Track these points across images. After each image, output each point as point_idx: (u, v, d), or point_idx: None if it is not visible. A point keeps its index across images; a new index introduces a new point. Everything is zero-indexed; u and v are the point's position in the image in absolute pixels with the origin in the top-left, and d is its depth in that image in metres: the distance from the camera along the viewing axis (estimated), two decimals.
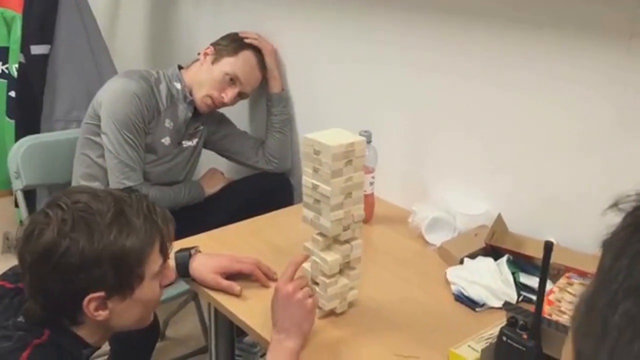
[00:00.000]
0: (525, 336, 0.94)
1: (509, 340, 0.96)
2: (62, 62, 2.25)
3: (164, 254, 1.09)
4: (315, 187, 1.14)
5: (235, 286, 1.30)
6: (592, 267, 1.36)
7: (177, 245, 1.40)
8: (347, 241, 1.19)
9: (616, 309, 0.44)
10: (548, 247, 0.90)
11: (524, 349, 0.94)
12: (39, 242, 0.98)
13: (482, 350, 1.03)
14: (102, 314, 1.02)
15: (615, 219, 0.49)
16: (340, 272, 1.21)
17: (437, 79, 1.62)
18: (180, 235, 1.47)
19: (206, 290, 1.33)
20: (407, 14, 1.64)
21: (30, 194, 2.19)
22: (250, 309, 1.26)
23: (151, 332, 1.62)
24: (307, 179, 1.16)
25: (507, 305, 1.03)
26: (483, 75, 1.51)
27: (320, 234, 1.18)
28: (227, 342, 1.52)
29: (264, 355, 2.05)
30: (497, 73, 1.48)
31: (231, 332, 1.52)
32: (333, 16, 1.86)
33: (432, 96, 1.65)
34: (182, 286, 1.97)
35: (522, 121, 1.46)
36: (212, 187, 2.11)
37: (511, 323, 0.96)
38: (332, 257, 1.18)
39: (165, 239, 1.08)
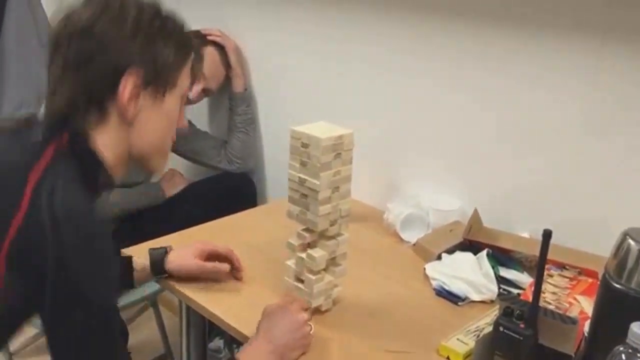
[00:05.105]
0: (522, 325, 0.95)
1: (505, 330, 0.95)
2: (10, 56, 2.14)
3: (193, 78, 1.05)
4: (302, 182, 1.11)
5: (221, 265, 1.28)
6: (568, 259, 1.38)
7: (147, 246, 1.35)
8: (333, 237, 1.17)
9: None
10: (547, 235, 0.91)
11: (521, 338, 0.94)
12: (82, 15, 0.93)
13: (477, 342, 1.02)
14: (132, 107, 0.95)
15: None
16: (325, 268, 1.19)
17: (406, 79, 1.63)
18: (141, 238, 1.43)
19: (180, 289, 1.28)
20: (375, 13, 1.64)
21: None
22: (226, 306, 1.22)
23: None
24: (294, 173, 1.13)
25: (502, 296, 1.03)
26: (452, 76, 1.53)
27: (307, 229, 1.16)
28: (199, 343, 1.46)
29: None
30: (465, 73, 1.50)
31: (204, 333, 1.47)
32: (299, 15, 1.84)
33: (402, 95, 1.65)
34: (139, 293, 1.90)
35: (491, 120, 1.48)
36: (172, 189, 2.06)
37: (507, 313, 0.96)
38: (319, 253, 1.15)
39: (195, 62, 1.04)
